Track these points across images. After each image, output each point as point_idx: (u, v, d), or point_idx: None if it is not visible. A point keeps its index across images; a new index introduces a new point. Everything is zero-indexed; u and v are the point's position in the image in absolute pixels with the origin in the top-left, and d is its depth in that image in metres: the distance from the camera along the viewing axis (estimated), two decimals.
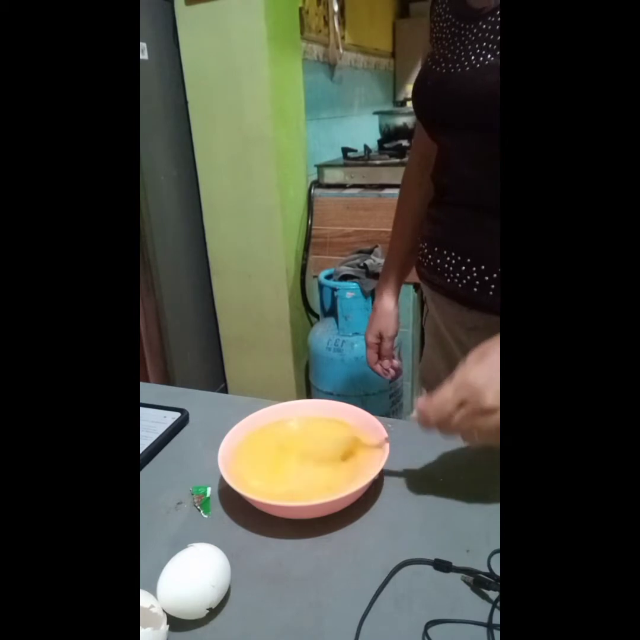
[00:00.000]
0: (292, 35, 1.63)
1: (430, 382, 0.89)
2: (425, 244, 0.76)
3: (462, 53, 0.62)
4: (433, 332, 0.85)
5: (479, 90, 0.59)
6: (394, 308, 0.91)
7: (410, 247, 0.87)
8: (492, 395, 0.47)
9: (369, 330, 0.93)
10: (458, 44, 0.63)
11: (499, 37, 0.58)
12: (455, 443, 0.57)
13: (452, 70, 0.63)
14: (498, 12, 0.58)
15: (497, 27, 0.58)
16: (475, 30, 0.61)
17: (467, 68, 0.61)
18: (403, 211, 0.89)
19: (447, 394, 0.49)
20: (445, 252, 0.71)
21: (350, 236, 1.77)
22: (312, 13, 1.83)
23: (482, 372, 0.48)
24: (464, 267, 0.67)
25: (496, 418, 0.47)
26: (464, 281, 0.68)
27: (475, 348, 0.51)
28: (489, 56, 0.59)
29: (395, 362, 0.95)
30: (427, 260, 0.75)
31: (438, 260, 0.72)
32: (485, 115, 0.58)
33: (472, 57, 0.61)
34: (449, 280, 0.70)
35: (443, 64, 0.65)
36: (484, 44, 0.59)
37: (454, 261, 0.69)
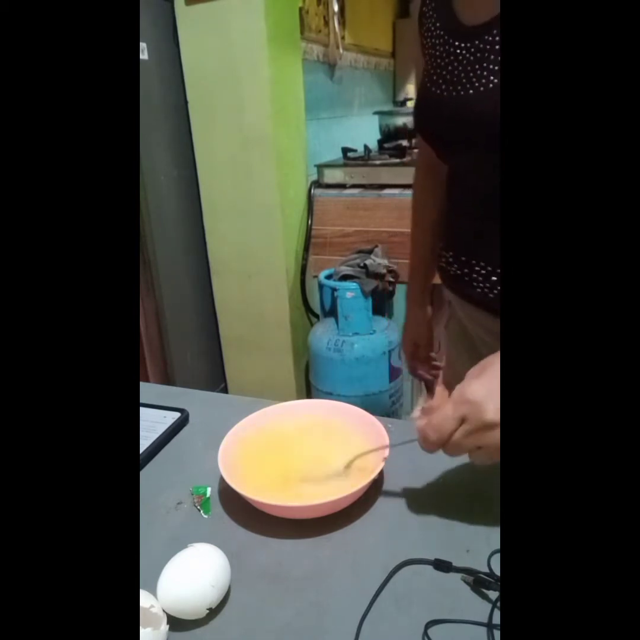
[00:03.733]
0: (292, 35, 1.63)
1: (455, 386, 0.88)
2: (451, 253, 0.74)
3: (462, 74, 0.61)
4: (459, 335, 0.83)
5: (483, 115, 0.58)
6: (425, 315, 0.92)
7: (433, 254, 0.86)
8: (493, 408, 0.45)
9: (404, 340, 0.93)
10: (456, 64, 0.62)
11: (498, 58, 0.56)
12: None
13: (454, 93, 0.62)
14: (495, 31, 0.57)
15: (496, 46, 0.57)
16: (472, 50, 0.60)
17: (470, 91, 0.60)
18: (420, 220, 0.89)
19: (446, 411, 0.47)
20: (473, 262, 0.69)
21: (350, 236, 1.77)
22: (312, 13, 1.83)
23: (482, 386, 0.46)
24: (494, 278, 0.66)
25: (497, 433, 0.45)
26: (495, 291, 0.67)
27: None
28: (492, 78, 0.57)
29: (437, 363, 0.95)
30: (453, 269, 0.74)
31: (466, 270, 0.71)
32: (491, 137, 0.56)
33: (474, 80, 0.59)
34: (479, 290, 0.69)
35: (443, 86, 0.64)
36: (484, 64, 0.58)
37: (483, 271, 0.68)
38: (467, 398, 0.46)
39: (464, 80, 0.61)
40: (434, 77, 0.66)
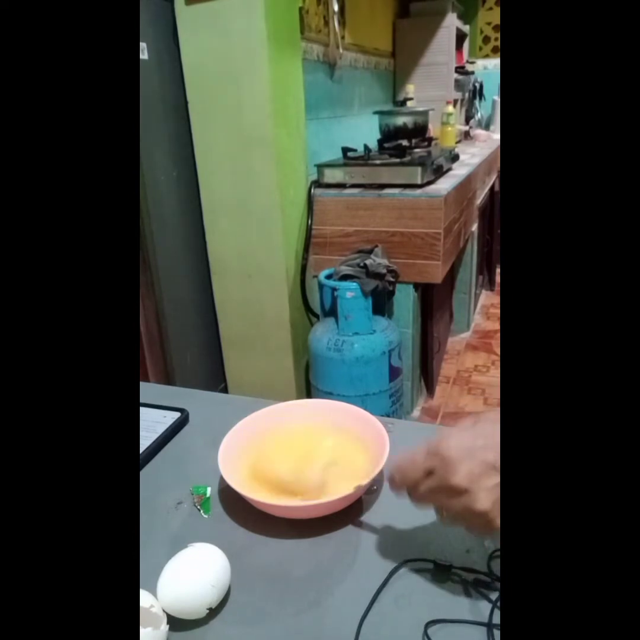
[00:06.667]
0: (292, 35, 1.63)
1: None
2: None
3: None
4: None
5: None
6: None
7: None
8: (463, 473, 0.40)
9: None
10: None
11: None
12: None
13: None
14: None
15: None
16: None
17: None
18: None
19: (417, 457, 0.44)
20: None
21: (350, 236, 1.77)
22: (312, 13, 1.83)
23: (461, 443, 0.41)
24: None
25: (465, 501, 0.40)
26: None
27: None
28: None
29: None
30: None
31: None
32: None
33: None
34: None
35: None
36: None
37: None
38: (440, 452, 0.42)
39: None
40: None
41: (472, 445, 0.41)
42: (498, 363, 2.43)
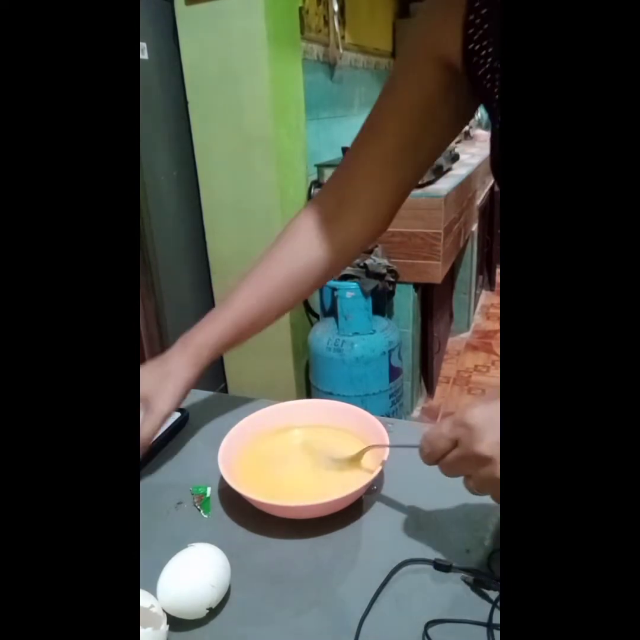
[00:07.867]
0: (292, 35, 1.63)
1: None
2: None
3: None
4: None
5: None
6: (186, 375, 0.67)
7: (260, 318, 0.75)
8: (488, 441, 0.41)
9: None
10: None
11: None
12: None
13: None
14: None
15: None
16: None
17: None
18: (278, 269, 0.71)
19: (443, 428, 0.45)
20: None
21: None
22: (312, 13, 1.83)
23: (485, 413, 0.42)
24: None
25: (490, 470, 0.41)
26: None
27: None
28: None
29: None
30: None
31: None
32: None
33: None
34: None
35: None
36: None
37: None
38: (465, 421, 0.43)
39: None
40: None
41: (495, 416, 0.41)
42: (498, 363, 2.43)
